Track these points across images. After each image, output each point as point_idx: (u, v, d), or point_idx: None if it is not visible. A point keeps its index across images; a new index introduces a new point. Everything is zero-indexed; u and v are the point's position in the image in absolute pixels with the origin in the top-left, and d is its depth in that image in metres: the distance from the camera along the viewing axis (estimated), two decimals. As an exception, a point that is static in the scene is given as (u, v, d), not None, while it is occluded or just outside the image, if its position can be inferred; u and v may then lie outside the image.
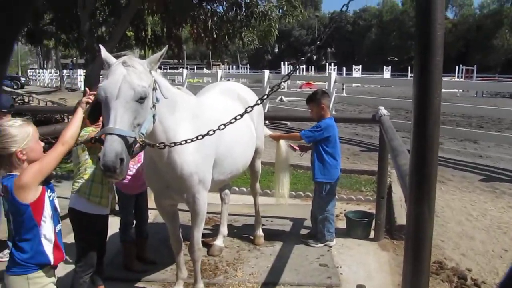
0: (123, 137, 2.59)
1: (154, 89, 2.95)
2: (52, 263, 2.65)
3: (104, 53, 2.94)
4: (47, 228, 2.62)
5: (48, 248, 2.64)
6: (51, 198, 2.68)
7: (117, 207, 4.45)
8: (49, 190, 2.67)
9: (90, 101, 3.08)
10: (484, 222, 5.86)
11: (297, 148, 5.47)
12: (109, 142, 2.55)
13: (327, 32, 2.85)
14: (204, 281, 4.13)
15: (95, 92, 2.86)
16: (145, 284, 4.30)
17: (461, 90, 27.97)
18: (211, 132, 3.05)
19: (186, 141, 3.09)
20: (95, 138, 2.80)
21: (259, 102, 3.21)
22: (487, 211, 6.26)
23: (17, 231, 2.60)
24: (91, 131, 3.44)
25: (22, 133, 2.54)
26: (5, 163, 2.55)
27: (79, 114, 2.93)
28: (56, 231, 2.70)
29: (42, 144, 2.70)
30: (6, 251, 4.48)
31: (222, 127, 3.05)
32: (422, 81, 1.83)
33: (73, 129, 2.78)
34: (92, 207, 3.51)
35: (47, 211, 2.62)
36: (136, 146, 2.80)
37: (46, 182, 2.64)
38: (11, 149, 2.51)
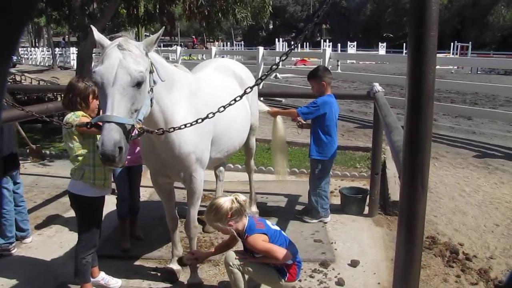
0: (121, 125, 2.55)
1: (151, 72, 2.87)
2: None
3: (96, 34, 2.86)
4: None
5: None
6: None
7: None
8: None
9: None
10: (477, 198, 5.91)
11: (300, 121, 5.21)
12: (107, 131, 2.51)
13: (324, 8, 2.78)
14: (199, 257, 4.15)
15: None
16: (141, 261, 4.32)
17: (455, 67, 27.81)
18: (210, 115, 2.97)
19: (185, 125, 3.02)
20: (92, 123, 2.75)
21: (258, 82, 3.08)
22: (480, 187, 6.31)
23: None
24: (82, 115, 3.37)
25: None
26: None
27: None
28: None
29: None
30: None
31: (221, 109, 2.95)
32: (416, 56, 1.82)
33: None
34: (97, 191, 3.51)
35: None
36: (134, 132, 2.75)
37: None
38: None
